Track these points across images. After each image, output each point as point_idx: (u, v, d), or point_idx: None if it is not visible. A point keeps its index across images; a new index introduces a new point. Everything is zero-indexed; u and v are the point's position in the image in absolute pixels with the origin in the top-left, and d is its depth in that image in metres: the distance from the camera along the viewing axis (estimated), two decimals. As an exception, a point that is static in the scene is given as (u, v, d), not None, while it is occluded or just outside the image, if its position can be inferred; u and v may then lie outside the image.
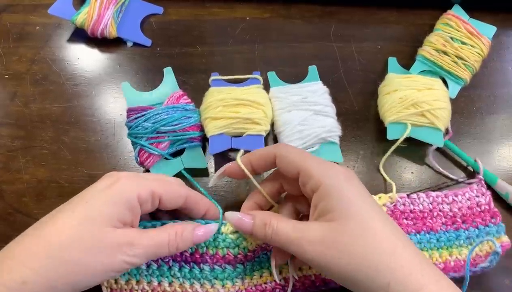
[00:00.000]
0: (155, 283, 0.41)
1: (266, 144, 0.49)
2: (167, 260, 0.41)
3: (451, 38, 0.52)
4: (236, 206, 0.45)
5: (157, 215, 0.41)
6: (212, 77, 0.51)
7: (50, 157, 0.49)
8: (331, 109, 0.49)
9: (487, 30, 0.54)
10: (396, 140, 0.47)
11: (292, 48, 0.56)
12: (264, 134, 0.47)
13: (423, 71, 0.53)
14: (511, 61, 0.56)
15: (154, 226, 0.38)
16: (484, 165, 0.48)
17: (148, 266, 0.40)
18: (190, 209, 0.39)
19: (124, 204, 0.33)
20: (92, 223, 0.32)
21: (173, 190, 0.36)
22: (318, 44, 0.56)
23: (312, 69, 0.52)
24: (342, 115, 0.50)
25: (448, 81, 0.52)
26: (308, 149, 0.47)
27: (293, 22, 0.58)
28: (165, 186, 0.36)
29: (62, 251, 0.30)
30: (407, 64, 0.54)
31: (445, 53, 0.52)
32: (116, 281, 0.40)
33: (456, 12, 0.55)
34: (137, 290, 0.41)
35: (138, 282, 0.41)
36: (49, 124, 0.51)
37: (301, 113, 0.48)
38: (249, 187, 0.48)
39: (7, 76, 0.53)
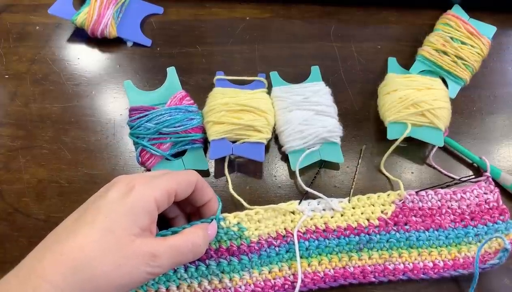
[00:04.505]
0: (163, 290, 0.41)
1: (266, 150, 0.49)
2: None
3: (451, 38, 0.52)
4: (234, 205, 0.45)
5: None
6: (216, 77, 0.51)
7: (50, 157, 0.49)
8: (333, 110, 0.49)
9: (487, 30, 0.55)
10: (396, 140, 0.47)
11: (292, 48, 0.56)
12: (265, 142, 0.47)
13: (423, 71, 0.53)
14: (511, 61, 0.56)
15: (173, 233, 0.37)
16: (484, 165, 0.48)
17: None
18: (196, 196, 0.39)
19: (142, 211, 0.33)
20: (113, 236, 0.31)
21: (185, 180, 0.37)
22: (318, 44, 0.56)
23: (315, 69, 0.52)
24: (342, 115, 0.50)
25: (448, 81, 0.52)
26: (309, 149, 0.47)
27: (293, 22, 0.58)
28: (177, 178, 0.36)
29: (86, 267, 0.30)
30: (407, 64, 0.54)
31: (445, 53, 0.52)
32: None
33: (456, 12, 0.55)
34: None
35: None
36: (49, 124, 0.51)
37: (303, 113, 0.47)
38: (249, 187, 0.48)
39: (7, 76, 0.53)
